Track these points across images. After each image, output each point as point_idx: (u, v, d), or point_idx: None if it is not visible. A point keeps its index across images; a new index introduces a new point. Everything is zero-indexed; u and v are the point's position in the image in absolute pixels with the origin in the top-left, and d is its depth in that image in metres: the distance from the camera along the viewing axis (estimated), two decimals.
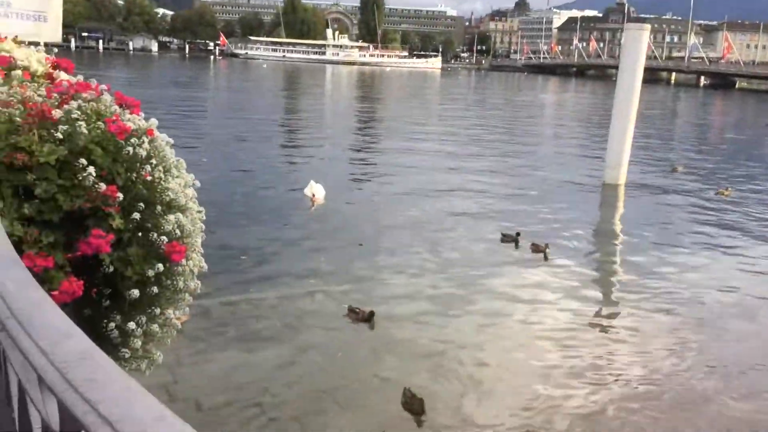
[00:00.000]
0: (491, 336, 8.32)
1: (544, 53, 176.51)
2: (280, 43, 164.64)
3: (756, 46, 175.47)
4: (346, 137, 28.34)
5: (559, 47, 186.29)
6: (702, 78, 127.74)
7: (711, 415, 6.79)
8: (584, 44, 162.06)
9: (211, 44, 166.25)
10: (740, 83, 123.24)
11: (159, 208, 2.87)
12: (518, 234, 12.18)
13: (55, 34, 6.22)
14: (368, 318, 8.27)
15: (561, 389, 7.04)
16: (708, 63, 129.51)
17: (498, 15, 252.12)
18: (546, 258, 11.32)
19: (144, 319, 2.81)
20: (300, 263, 10.60)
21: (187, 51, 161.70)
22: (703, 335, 8.76)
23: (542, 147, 28.47)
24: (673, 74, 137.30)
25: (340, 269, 10.46)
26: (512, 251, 11.86)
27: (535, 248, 11.54)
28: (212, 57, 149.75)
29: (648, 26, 19.88)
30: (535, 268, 10.95)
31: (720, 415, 6.78)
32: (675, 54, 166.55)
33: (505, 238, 12.20)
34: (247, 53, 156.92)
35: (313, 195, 14.72)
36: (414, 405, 6.33)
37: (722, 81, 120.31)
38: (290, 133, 29.74)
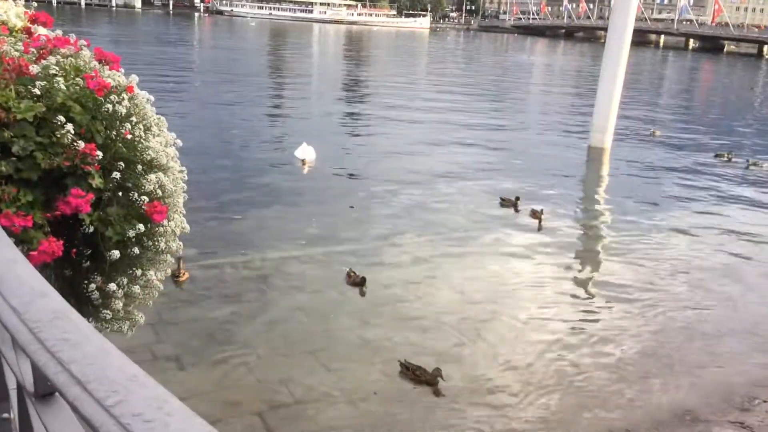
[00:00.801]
0: (481, 295, 8.39)
1: (533, 14, 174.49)
2: (267, 0, 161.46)
3: (746, 9, 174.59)
4: (334, 99, 28.10)
5: (549, 8, 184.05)
6: (691, 41, 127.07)
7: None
8: (574, 5, 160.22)
9: (197, 0, 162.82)
10: (729, 46, 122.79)
11: (140, 167, 2.83)
12: (518, 198, 12.22)
13: None
14: (361, 283, 8.32)
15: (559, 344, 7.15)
16: (698, 26, 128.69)
17: None
18: (540, 227, 11.30)
19: (125, 280, 2.78)
20: (292, 226, 10.60)
21: (171, 8, 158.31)
22: (691, 296, 8.88)
23: (529, 109, 28.39)
24: (662, 37, 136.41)
25: (332, 232, 10.46)
26: (507, 214, 11.90)
27: (533, 214, 11.53)
28: (198, 14, 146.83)
29: None
30: (531, 233, 10.97)
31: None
32: (665, 16, 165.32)
33: (504, 203, 12.24)
34: (232, 10, 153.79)
35: (304, 157, 14.62)
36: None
37: (711, 44, 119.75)
38: (278, 94, 29.41)
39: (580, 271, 9.70)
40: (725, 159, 17.74)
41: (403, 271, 9.14)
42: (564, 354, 7.08)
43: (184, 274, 7.98)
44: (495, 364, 6.83)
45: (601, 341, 7.41)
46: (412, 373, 6.49)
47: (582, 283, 9.16)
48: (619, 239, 11.03)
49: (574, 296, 8.66)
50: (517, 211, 11.96)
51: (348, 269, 8.62)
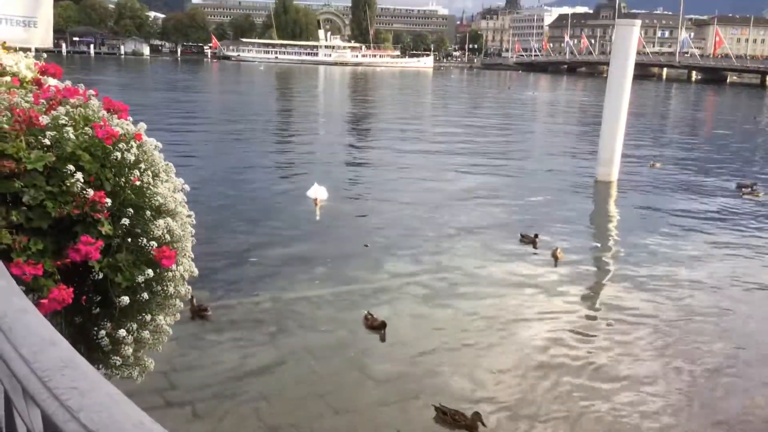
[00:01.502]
0: (498, 338, 8.32)
1: (535, 51, 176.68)
2: (272, 45, 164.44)
3: (746, 40, 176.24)
4: (343, 138, 28.39)
5: (551, 44, 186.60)
6: (694, 73, 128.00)
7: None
8: (575, 41, 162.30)
9: (205, 47, 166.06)
10: (731, 77, 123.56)
11: (148, 213, 2.86)
12: (536, 236, 12.17)
13: (46, 40, 6.19)
14: (379, 326, 8.15)
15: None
16: (699, 58, 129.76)
17: (489, 13, 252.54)
18: (556, 263, 11.22)
19: (135, 326, 2.79)
20: (305, 266, 10.58)
21: (179, 54, 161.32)
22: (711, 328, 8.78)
23: (535, 144, 28.54)
24: (665, 69, 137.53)
25: (347, 272, 10.44)
26: (524, 251, 11.85)
27: (554, 254, 11.41)
28: (206, 60, 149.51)
29: (638, 22, 19.91)
30: (548, 269, 10.90)
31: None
32: (666, 49, 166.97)
33: (524, 239, 12.19)
34: (239, 55, 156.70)
35: (317, 197, 14.70)
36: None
37: (714, 76, 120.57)
38: (287, 135, 29.70)
39: (604, 308, 9.61)
40: (748, 190, 17.50)
41: (419, 309, 9.06)
42: (603, 399, 6.92)
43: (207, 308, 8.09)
44: (527, 408, 6.67)
45: (637, 384, 7.25)
46: (450, 417, 6.14)
47: (617, 326, 9.05)
48: (634, 274, 10.90)
49: (599, 336, 8.55)
50: (536, 247, 11.87)
51: (366, 312, 8.49)
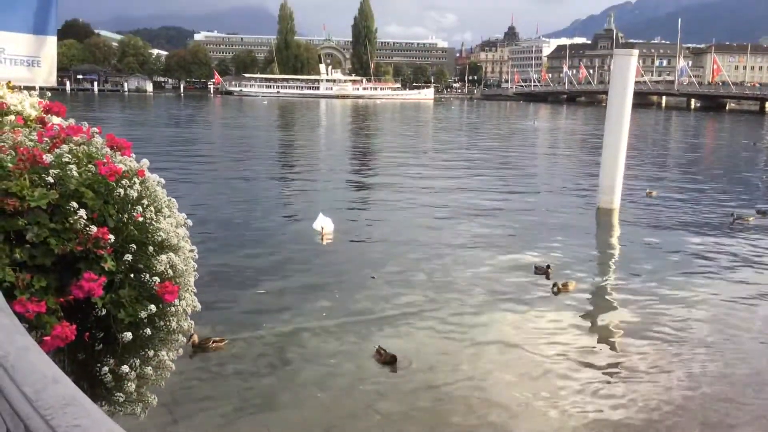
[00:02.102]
0: (510, 374, 8.24)
1: (534, 81, 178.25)
2: (274, 80, 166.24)
3: (744, 67, 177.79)
4: (346, 170, 28.54)
5: (550, 75, 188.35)
6: (693, 100, 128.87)
7: None
8: (574, 71, 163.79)
9: (208, 83, 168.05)
10: (730, 104, 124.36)
11: (151, 248, 2.88)
12: (548, 267, 12.10)
13: (50, 78, 6.29)
14: (391, 361, 8.05)
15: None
16: (698, 86, 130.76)
17: (488, 45, 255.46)
18: (556, 293, 11.10)
19: (137, 361, 2.79)
20: (311, 298, 10.55)
21: (182, 90, 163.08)
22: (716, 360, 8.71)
23: (538, 172, 28.63)
24: (664, 98, 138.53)
25: (354, 304, 10.40)
26: (530, 281, 11.78)
27: (558, 286, 11.27)
28: (209, 95, 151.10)
29: (636, 52, 20.13)
30: (556, 301, 10.80)
31: None
32: (665, 77, 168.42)
33: (538, 271, 12.11)
34: (241, 90, 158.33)
35: (323, 228, 14.72)
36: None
37: (712, 103, 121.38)
38: (290, 168, 29.88)
39: (618, 336, 9.54)
40: (743, 220, 17.41)
41: (428, 342, 8.98)
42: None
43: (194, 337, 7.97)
44: None
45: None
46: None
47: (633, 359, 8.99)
48: (641, 305, 10.77)
49: (613, 372, 8.47)
50: (548, 278, 11.75)
51: (377, 347, 8.36)
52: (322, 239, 14.43)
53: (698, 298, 11.12)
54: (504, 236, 15.36)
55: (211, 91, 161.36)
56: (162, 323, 2.86)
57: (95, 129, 3.38)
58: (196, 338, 8.00)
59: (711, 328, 9.77)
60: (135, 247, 2.81)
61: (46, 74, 6.16)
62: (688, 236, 15.85)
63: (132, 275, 2.78)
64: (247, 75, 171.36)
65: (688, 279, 12.21)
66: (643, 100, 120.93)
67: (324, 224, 14.82)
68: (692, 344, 9.11)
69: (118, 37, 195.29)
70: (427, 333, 9.29)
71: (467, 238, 15.10)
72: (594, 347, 9.04)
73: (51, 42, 6.08)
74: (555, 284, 11.25)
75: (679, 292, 11.35)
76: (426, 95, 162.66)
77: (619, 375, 8.10)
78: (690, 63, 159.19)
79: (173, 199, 3.23)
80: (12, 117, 4.10)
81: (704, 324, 9.91)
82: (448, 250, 13.90)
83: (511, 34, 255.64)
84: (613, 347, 9.09)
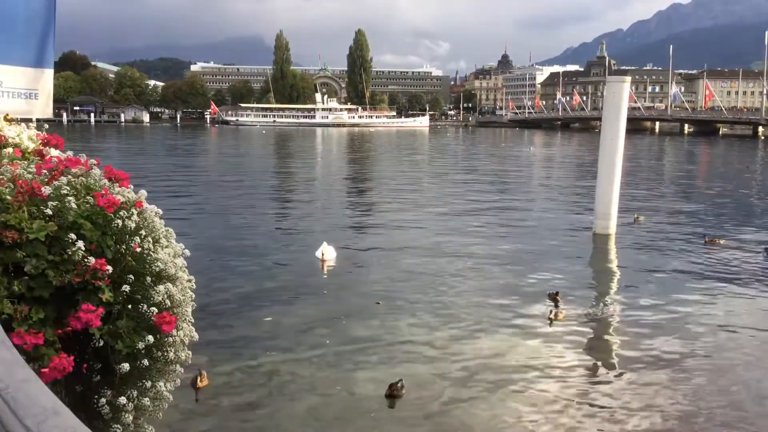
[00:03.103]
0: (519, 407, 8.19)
1: (528, 108, 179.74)
2: (270, 109, 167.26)
3: (736, 92, 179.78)
4: (345, 198, 28.61)
5: (543, 102, 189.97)
6: (686, 126, 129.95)
7: None
8: (568, 98, 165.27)
9: (205, 113, 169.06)
10: (723, 129, 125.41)
11: (149, 279, 2.89)
12: (557, 293, 12.03)
13: (47, 110, 6.34)
14: (395, 393, 7.85)
15: None
16: (690, 111, 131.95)
17: (482, 73, 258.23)
18: (551, 321, 10.98)
19: (135, 393, 2.78)
20: (315, 325, 10.50)
21: (179, 120, 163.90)
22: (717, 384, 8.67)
23: (534, 198, 28.71)
24: (657, 123, 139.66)
25: (360, 332, 10.34)
26: (530, 308, 11.72)
27: (555, 316, 11.14)
28: (206, 125, 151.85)
29: (628, 78, 20.38)
30: (561, 328, 10.70)
31: None
32: (658, 103, 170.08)
33: (551, 298, 12.00)
34: (237, 120, 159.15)
35: (323, 256, 14.71)
36: None
37: (706, 128, 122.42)
38: (290, 196, 29.90)
39: (620, 362, 9.51)
40: (714, 242, 17.55)
41: (427, 371, 8.91)
42: None
43: (203, 380, 7.90)
44: None
45: None
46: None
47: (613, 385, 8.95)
48: (640, 332, 10.71)
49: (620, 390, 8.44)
50: (557, 306, 11.63)
51: (399, 380, 8.05)
52: (323, 267, 14.42)
53: (698, 326, 11.07)
54: (501, 263, 15.35)
55: (208, 121, 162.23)
56: (159, 354, 2.86)
57: (93, 161, 3.41)
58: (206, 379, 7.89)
59: (710, 355, 9.74)
60: (133, 277, 2.82)
61: (43, 106, 6.22)
62: (685, 261, 15.86)
63: (130, 306, 2.79)
64: (243, 105, 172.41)
65: (688, 305, 12.17)
66: (636, 125, 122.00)
67: (326, 252, 14.81)
68: (692, 371, 9.08)
69: (115, 68, 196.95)
70: (425, 361, 9.23)
71: (465, 264, 15.08)
72: (597, 378, 8.95)
73: (48, 74, 6.15)
74: (551, 312, 11.20)
75: (679, 320, 11.31)
76: (421, 123, 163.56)
77: (623, 403, 8.05)
78: (682, 88, 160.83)
79: (170, 229, 3.25)
80: (10, 150, 4.13)
81: (703, 352, 9.87)
82: (447, 277, 13.87)
83: (504, 62, 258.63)
84: (614, 375, 9.04)
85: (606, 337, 10.78)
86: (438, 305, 11.82)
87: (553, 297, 12.00)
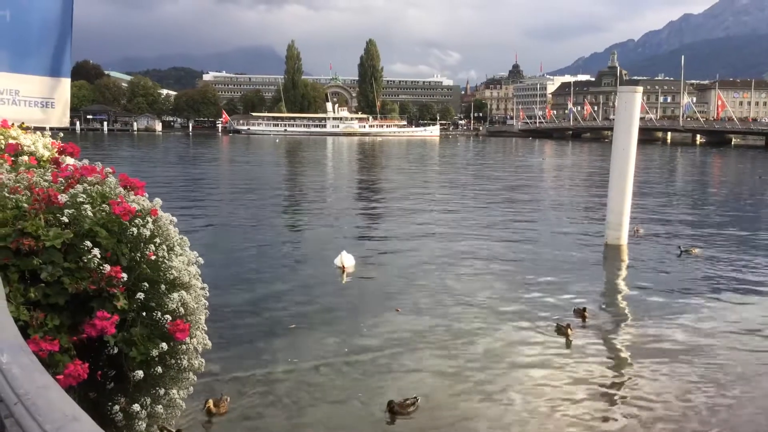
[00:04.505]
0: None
1: (539, 118, 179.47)
2: (281, 118, 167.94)
3: (749, 103, 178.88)
4: (361, 207, 28.64)
5: (554, 111, 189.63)
6: (698, 136, 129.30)
7: None
8: (579, 108, 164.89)
9: (216, 122, 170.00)
10: (735, 140, 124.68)
11: (163, 286, 2.90)
12: (584, 309, 11.80)
13: (63, 119, 6.39)
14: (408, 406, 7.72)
15: None
16: (702, 122, 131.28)
17: (493, 83, 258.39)
18: (568, 342, 10.67)
19: (148, 400, 2.79)
20: (338, 334, 10.51)
21: (190, 129, 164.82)
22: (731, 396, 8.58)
23: (546, 207, 28.60)
24: (669, 133, 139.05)
25: (382, 338, 10.36)
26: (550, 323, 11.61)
27: (560, 329, 10.94)
28: (218, 134, 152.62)
29: (640, 89, 20.29)
30: (564, 344, 10.57)
31: None
32: (669, 113, 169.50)
33: (576, 313, 11.79)
34: (249, 129, 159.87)
35: (344, 264, 14.73)
36: None
37: (718, 138, 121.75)
38: (305, 203, 29.93)
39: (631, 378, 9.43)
40: (689, 252, 17.47)
41: (442, 384, 8.87)
42: None
43: (224, 404, 7.62)
44: None
45: None
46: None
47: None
48: (656, 345, 10.58)
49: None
50: (584, 322, 11.43)
51: (415, 397, 7.94)
52: (343, 275, 14.44)
53: (713, 337, 10.94)
54: (514, 272, 15.30)
55: (220, 130, 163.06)
56: (173, 361, 2.87)
57: (109, 169, 3.44)
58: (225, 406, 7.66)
59: (726, 371, 9.64)
60: (147, 285, 2.84)
61: (60, 115, 6.26)
62: (699, 273, 15.74)
63: (144, 313, 2.80)
64: (254, 114, 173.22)
65: (702, 317, 12.05)
66: (648, 136, 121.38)
67: (345, 260, 14.84)
68: (708, 384, 8.99)
69: (128, 77, 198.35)
70: (440, 374, 9.17)
71: (478, 273, 15.15)
72: (617, 395, 8.84)
73: (65, 83, 6.19)
74: (558, 326, 11.00)
75: (694, 333, 11.18)
76: (432, 132, 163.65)
77: (642, 419, 7.98)
78: (694, 99, 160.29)
79: (185, 237, 3.27)
80: (26, 157, 4.17)
81: (722, 365, 9.78)
82: (461, 286, 13.83)
83: (515, 72, 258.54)
84: (632, 391, 8.94)
85: (621, 350, 10.64)
86: (453, 316, 11.74)
87: (581, 313, 11.74)
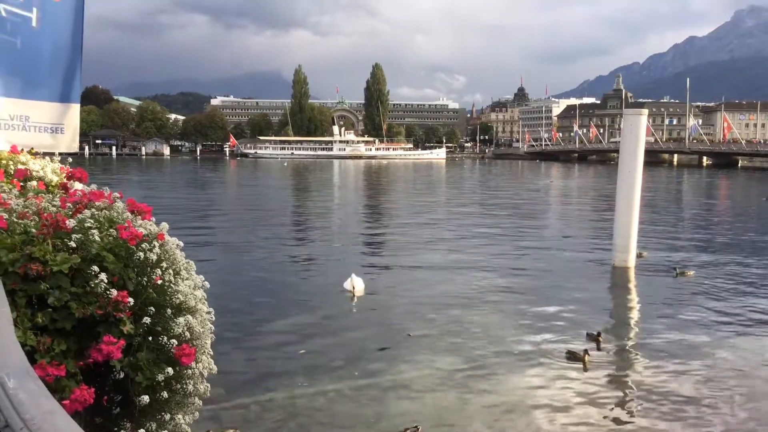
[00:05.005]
0: None
1: (545, 140, 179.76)
2: (288, 142, 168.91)
3: (755, 125, 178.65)
4: (368, 230, 28.69)
5: (560, 134, 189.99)
6: (705, 158, 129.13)
7: None
8: (584, 130, 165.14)
9: (224, 145, 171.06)
10: (742, 161, 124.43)
11: (169, 311, 2.91)
12: (599, 334, 11.66)
13: (72, 145, 6.43)
14: None
15: None
16: (709, 143, 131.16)
17: (498, 106, 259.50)
18: (585, 364, 10.54)
19: (154, 425, 2.78)
20: (348, 359, 10.49)
21: (198, 153, 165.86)
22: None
23: (552, 230, 28.56)
24: (675, 155, 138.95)
25: (392, 363, 10.33)
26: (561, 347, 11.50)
27: (573, 355, 10.82)
28: (225, 158, 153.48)
29: (645, 111, 20.33)
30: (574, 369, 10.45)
31: None
32: (675, 136, 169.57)
33: (589, 338, 11.70)
34: (256, 153, 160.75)
35: (353, 288, 14.72)
36: None
37: (724, 160, 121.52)
38: (312, 227, 29.98)
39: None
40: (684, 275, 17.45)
41: (451, 407, 8.81)
42: None
43: None
44: None
45: None
46: None
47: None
48: (669, 370, 10.48)
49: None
50: (599, 348, 11.25)
51: (416, 426, 7.82)
52: (353, 298, 14.43)
53: (726, 363, 10.81)
54: (522, 298, 15.14)
55: (227, 154, 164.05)
56: (179, 386, 2.87)
57: (116, 194, 3.46)
58: None
59: (736, 398, 9.53)
60: (153, 309, 2.84)
61: (69, 141, 6.31)
62: (707, 295, 15.63)
63: (150, 338, 2.81)
64: (261, 138, 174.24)
65: (714, 341, 11.91)
66: (654, 158, 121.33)
67: (355, 284, 14.85)
68: (722, 413, 8.89)
69: (137, 102, 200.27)
70: (451, 400, 9.10)
71: (487, 294, 15.18)
72: (625, 420, 8.76)
73: (74, 109, 6.25)
74: (570, 352, 10.86)
75: (706, 357, 11.05)
76: (438, 155, 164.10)
77: None
78: (700, 121, 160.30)
79: (191, 261, 3.28)
80: (34, 183, 4.21)
81: (729, 392, 9.66)
82: (471, 310, 13.76)
83: (520, 95, 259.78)
84: (643, 418, 8.84)
85: (630, 374, 10.51)
86: (464, 341, 11.64)
87: (595, 338, 11.61)
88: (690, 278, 17.18)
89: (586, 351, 10.67)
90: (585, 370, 10.30)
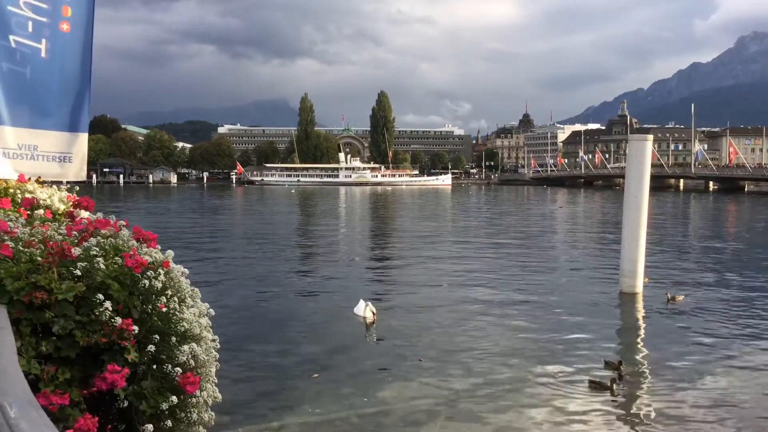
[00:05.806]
0: None
1: (551, 166, 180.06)
2: (295, 169, 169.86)
3: (761, 150, 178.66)
4: (373, 255, 28.69)
5: (566, 160, 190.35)
6: (711, 183, 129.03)
7: None
8: (590, 156, 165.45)
9: (231, 173, 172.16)
10: (749, 186, 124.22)
11: (173, 338, 2.90)
12: (620, 363, 11.37)
13: (81, 173, 6.46)
14: None
15: None
16: (715, 168, 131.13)
17: (503, 132, 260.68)
18: (613, 393, 10.24)
19: None
20: (358, 385, 10.42)
21: (205, 181, 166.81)
22: None
23: (559, 255, 28.45)
24: (682, 181, 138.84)
25: (403, 389, 10.26)
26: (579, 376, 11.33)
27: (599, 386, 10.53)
28: (232, 185, 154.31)
29: (650, 137, 20.37)
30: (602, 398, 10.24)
31: None
32: (681, 161, 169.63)
33: (608, 366, 11.48)
34: (262, 179, 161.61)
35: (364, 314, 14.71)
36: None
37: (731, 185, 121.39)
38: (318, 254, 29.93)
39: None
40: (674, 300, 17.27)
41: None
42: None
43: None
44: None
45: None
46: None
47: None
48: (682, 398, 10.34)
49: None
50: (621, 378, 10.74)
51: None
52: (364, 324, 14.39)
53: (741, 391, 10.66)
54: (531, 325, 14.96)
55: (234, 181, 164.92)
56: (183, 415, 2.84)
57: (122, 222, 3.48)
58: None
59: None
60: (158, 337, 2.83)
61: (77, 169, 6.35)
62: (718, 321, 15.48)
63: (154, 366, 2.79)
64: (268, 165, 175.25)
65: (726, 368, 11.75)
66: (660, 183, 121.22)
67: (365, 310, 14.84)
68: None
69: (145, 131, 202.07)
70: (463, 427, 9.00)
71: (496, 318, 15.20)
72: None
73: (82, 138, 6.29)
74: (594, 381, 10.55)
75: (719, 386, 10.90)
76: (444, 181, 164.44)
77: None
78: (705, 146, 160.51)
79: (196, 289, 3.28)
80: (41, 211, 4.23)
81: (742, 419, 9.54)
82: (479, 337, 13.68)
83: (525, 121, 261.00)
84: None
85: (656, 402, 10.33)
86: (476, 370, 11.49)
87: (615, 366, 11.27)
88: (680, 303, 17.01)
89: (613, 380, 10.36)
90: (613, 397, 10.09)
